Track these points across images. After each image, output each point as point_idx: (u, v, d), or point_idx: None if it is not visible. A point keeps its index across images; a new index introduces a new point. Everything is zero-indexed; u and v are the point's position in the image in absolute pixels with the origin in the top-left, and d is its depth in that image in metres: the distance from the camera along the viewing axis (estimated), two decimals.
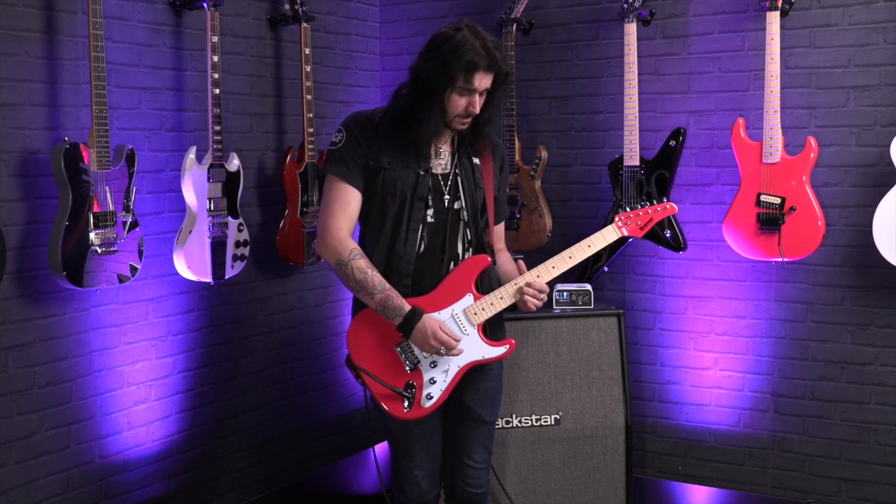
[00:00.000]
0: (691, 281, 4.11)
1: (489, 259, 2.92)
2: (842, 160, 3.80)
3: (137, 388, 3.58)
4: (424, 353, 2.86)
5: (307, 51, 4.00)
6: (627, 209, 3.06)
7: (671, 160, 3.98)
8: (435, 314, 2.85)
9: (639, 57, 4.05)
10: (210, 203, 3.62)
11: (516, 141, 4.26)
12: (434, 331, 2.80)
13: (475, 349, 2.90)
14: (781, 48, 3.80)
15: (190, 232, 3.58)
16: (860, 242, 3.75)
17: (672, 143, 3.97)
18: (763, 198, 3.75)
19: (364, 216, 2.90)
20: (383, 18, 4.73)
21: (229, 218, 3.70)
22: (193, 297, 3.79)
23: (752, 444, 4.04)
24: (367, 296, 2.81)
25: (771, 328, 3.98)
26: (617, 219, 3.01)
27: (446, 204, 2.89)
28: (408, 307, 2.80)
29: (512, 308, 3.85)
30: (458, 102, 2.79)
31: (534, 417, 3.79)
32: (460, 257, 2.92)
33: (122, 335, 3.53)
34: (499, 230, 3.10)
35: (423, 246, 2.87)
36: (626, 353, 3.85)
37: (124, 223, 3.29)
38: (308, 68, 3.99)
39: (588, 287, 3.92)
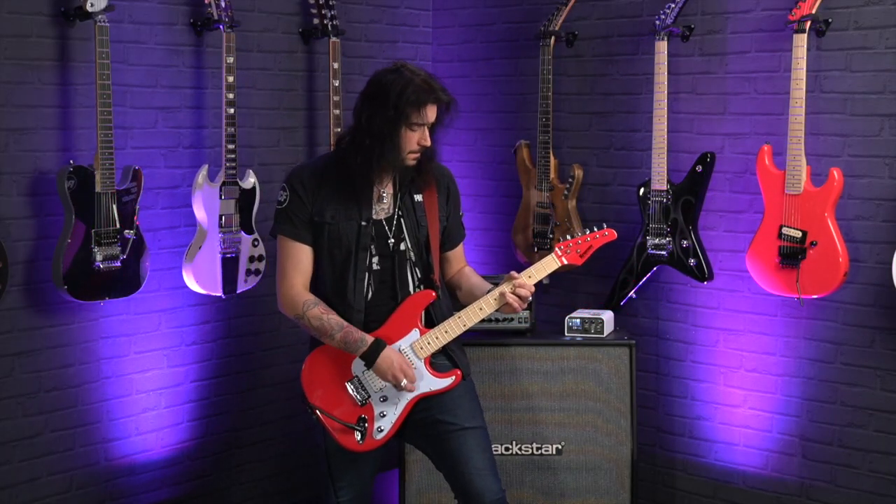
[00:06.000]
0: (722, 313, 4.36)
1: (433, 294, 3.35)
2: (874, 193, 3.97)
3: (147, 396, 4.20)
4: (376, 388, 3.31)
5: (335, 65, 4.48)
6: (568, 237, 3.41)
7: (698, 186, 4.24)
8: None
9: (676, 74, 4.33)
10: (221, 219, 4.17)
11: (552, 158, 4.62)
12: (400, 362, 3.26)
13: (423, 382, 3.32)
14: (817, 71, 4.01)
15: (199, 247, 4.14)
16: (891, 282, 3.91)
17: (699, 168, 4.24)
18: (785, 230, 3.97)
19: (315, 268, 3.35)
20: (436, 24, 5.15)
21: (242, 234, 4.24)
22: (209, 308, 4.36)
23: (780, 489, 4.27)
24: (328, 338, 3.28)
25: (800, 368, 4.19)
26: (557, 248, 3.38)
27: (391, 248, 3.33)
28: (370, 338, 3.27)
29: (521, 332, 4.25)
30: (412, 138, 3.23)
31: (535, 446, 4.16)
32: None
33: (132, 344, 4.14)
34: (458, 252, 3.53)
35: (370, 292, 3.33)
36: (636, 385, 4.15)
37: (129, 240, 3.89)
38: (336, 83, 4.49)
39: (602, 316, 4.24)
